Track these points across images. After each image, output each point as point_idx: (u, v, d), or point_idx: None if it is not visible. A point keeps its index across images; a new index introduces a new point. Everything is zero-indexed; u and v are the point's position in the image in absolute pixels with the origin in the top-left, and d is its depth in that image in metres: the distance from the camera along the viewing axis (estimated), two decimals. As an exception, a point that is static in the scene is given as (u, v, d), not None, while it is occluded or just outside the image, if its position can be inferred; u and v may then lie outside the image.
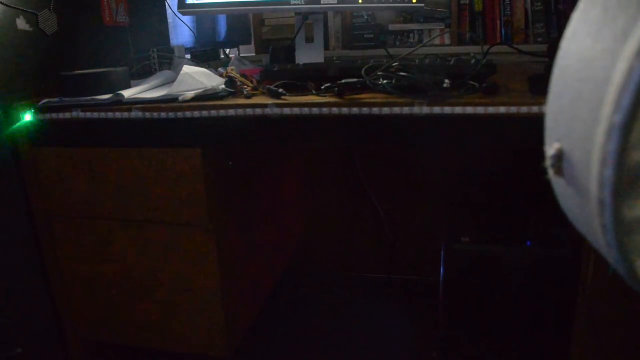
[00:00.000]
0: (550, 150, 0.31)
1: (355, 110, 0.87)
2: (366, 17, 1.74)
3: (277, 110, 0.90)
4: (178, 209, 1.00)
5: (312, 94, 0.94)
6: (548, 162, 0.31)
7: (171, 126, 0.96)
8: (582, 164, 0.27)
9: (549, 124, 0.32)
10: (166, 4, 1.54)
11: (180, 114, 0.94)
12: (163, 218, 1.02)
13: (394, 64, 0.94)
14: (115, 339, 1.15)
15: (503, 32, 1.69)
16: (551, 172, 0.32)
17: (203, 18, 1.67)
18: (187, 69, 1.02)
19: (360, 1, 1.17)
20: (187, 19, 1.61)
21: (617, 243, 0.26)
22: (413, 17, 1.77)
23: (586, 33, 0.28)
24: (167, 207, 1.01)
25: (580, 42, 0.29)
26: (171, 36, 1.60)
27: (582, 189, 0.28)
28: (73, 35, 1.19)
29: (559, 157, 0.30)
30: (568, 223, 0.34)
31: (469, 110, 0.82)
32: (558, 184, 0.32)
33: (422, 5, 1.17)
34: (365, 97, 0.89)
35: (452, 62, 0.97)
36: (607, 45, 0.25)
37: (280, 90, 0.93)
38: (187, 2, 1.19)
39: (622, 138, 0.24)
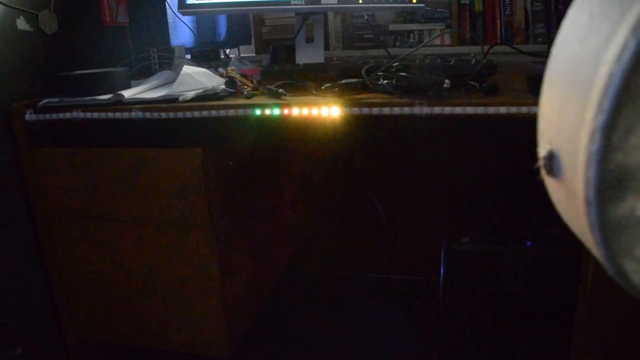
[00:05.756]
0: (542, 151, 0.33)
1: (355, 110, 0.87)
2: (366, 17, 1.74)
3: (276, 111, 0.90)
4: (178, 209, 1.00)
5: (312, 94, 0.94)
6: (540, 163, 0.33)
7: (171, 126, 0.96)
8: (569, 164, 0.29)
9: (541, 126, 0.34)
10: (166, 4, 1.54)
11: (180, 114, 0.94)
12: (163, 218, 1.02)
13: (394, 64, 0.94)
14: (115, 339, 1.15)
15: (503, 32, 1.69)
16: (543, 173, 0.33)
17: (203, 18, 1.67)
18: (187, 69, 1.02)
19: (360, 1, 1.17)
20: (187, 19, 1.61)
21: (604, 241, 0.27)
22: (413, 17, 1.77)
23: (574, 39, 0.30)
24: (167, 207, 1.01)
25: (569, 48, 0.30)
26: (171, 36, 1.60)
27: (571, 189, 0.29)
28: (73, 35, 1.19)
29: (550, 157, 0.32)
30: (567, 223, 0.35)
31: (469, 110, 0.82)
32: (550, 184, 0.34)
33: (422, 5, 1.17)
34: (365, 97, 0.89)
35: (452, 62, 0.97)
36: (592, 51, 0.27)
37: (280, 90, 0.93)
38: (187, 2, 1.19)
39: (604, 139, 0.25)
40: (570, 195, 0.30)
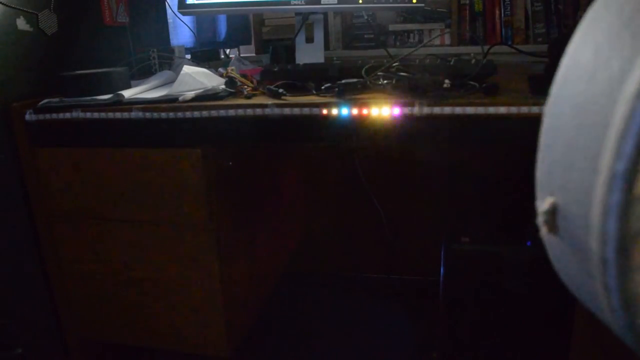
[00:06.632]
0: (543, 205, 0.28)
1: (355, 110, 0.87)
2: (366, 17, 1.74)
3: (277, 110, 0.90)
4: (178, 209, 1.00)
5: (312, 94, 0.94)
6: (540, 219, 0.29)
7: (171, 126, 0.96)
8: (580, 218, 0.25)
9: (540, 176, 0.30)
10: (166, 4, 1.54)
11: (180, 114, 0.94)
12: (163, 218, 1.02)
13: (394, 64, 0.94)
14: (115, 339, 1.15)
15: (503, 32, 1.68)
16: (543, 230, 0.29)
17: (203, 18, 1.67)
18: (187, 69, 1.02)
19: (360, 1, 1.17)
20: (187, 19, 1.61)
21: (624, 307, 0.24)
22: (413, 17, 1.77)
23: (578, 77, 0.26)
24: (167, 207, 1.01)
25: (572, 87, 0.27)
26: (171, 36, 1.60)
27: (581, 247, 0.26)
28: (73, 35, 1.19)
29: (553, 212, 0.28)
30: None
31: (469, 110, 0.82)
32: (551, 243, 0.30)
33: (422, 5, 1.17)
34: (365, 97, 0.89)
35: (452, 62, 0.97)
36: (603, 88, 0.23)
37: (280, 90, 0.93)
38: (187, 2, 1.19)
39: (626, 188, 0.21)
40: (579, 255, 0.26)
